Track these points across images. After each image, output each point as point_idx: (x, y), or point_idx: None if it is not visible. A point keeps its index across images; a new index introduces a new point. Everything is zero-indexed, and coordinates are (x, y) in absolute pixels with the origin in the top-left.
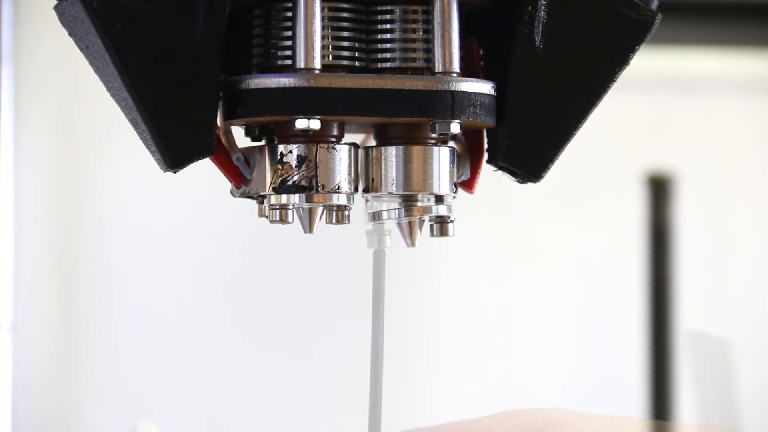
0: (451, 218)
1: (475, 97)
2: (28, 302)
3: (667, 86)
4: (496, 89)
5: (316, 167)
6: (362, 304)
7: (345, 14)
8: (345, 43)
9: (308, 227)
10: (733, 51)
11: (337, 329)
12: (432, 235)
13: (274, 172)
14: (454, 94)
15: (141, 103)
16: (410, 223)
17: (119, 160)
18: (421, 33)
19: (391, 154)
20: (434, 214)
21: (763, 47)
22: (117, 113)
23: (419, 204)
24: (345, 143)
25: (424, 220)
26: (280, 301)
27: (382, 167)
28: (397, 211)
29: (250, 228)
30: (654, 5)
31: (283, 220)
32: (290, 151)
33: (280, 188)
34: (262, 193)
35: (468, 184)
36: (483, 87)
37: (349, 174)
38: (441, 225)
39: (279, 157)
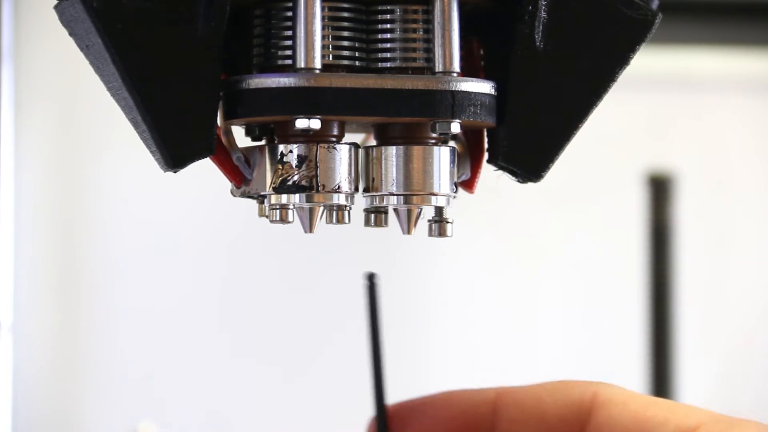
0: (450, 219)
1: (476, 96)
2: (28, 302)
3: (667, 86)
4: (497, 89)
5: (317, 167)
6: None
7: (345, 14)
8: (345, 43)
9: (308, 227)
10: (733, 51)
11: (339, 328)
12: (430, 234)
13: (275, 171)
14: (455, 94)
15: (141, 103)
16: (408, 211)
17: (119, 160)
18: (421, 33)
19: (392, 153)
20: (433, 204)
21: (763, 47)
22: (117, 113)
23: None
24: (345, 143)
25: (421, 209)
26: (283, 300)
27: (383, 167)
28: (396, 198)
29: (249, 228)
30: (654, 5)
31: (283, 219)
32: (290, 151)
33: (281, 188)
34: (262, 193)
35: (468, 184)
36: (483, 87)
37: (350, 174)
38: (440, 225)
39: (279, 156)
